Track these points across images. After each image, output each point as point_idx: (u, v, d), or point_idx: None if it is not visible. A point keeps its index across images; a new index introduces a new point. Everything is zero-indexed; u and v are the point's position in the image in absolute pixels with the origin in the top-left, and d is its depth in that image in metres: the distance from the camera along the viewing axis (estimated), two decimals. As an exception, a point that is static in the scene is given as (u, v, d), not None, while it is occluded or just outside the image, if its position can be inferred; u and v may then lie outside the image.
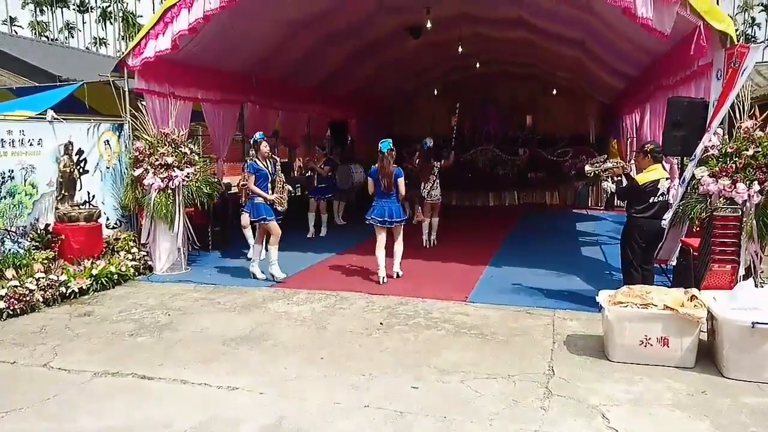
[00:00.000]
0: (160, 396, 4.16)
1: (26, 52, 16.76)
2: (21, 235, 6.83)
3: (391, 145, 7.16)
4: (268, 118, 11.34)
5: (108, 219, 8.01)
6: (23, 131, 6.92)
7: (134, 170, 7.65)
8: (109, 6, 57.78)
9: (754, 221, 5.33)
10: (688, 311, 4.49)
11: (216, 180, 8.68)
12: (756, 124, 5.51)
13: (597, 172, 6.25)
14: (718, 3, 6.26)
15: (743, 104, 5.59)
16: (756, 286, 4.79)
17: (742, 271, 5.40)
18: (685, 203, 5.65)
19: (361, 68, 12.96)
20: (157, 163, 7.51)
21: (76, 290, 6.59)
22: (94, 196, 7.85)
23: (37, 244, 6.88)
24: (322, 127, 14.26)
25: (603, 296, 4.90)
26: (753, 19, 52.87)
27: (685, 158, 6.27)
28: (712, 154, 5.55)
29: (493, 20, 10.75)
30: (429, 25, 9.93)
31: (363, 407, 3.93)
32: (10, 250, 6.64)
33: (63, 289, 6.48)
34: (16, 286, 6.09)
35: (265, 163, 7.19)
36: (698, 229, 5.86)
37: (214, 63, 9.02)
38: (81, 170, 7.63)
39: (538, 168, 15.98)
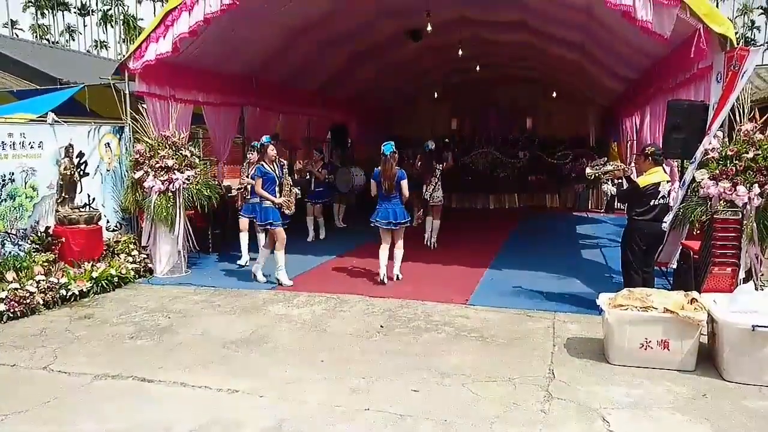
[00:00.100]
0: (161, 399, 4.16)
1: (27, 55, 16.77)
2: (21, 238, 6.83)
3: (393, 147, 7.18)
4: (269, 121, 11.35)
5: (108, 222, 8.01)
6: (24, 134, 6.93)
7: (135, 173, 7.65)
8: (110, 9, 57.94)
9: (755, 224, 5.34)
10: (689, 314, 4.49)
11: (216, 183, 8.69)
12: (756, 127, 5.52)
13: (598, 174, 6.26)
14: (717, 6, 6.27)
15: (743, 107, 5.60)
16: (756, 289, 4.78)
17: (742, 274, 5.40)
18: (686, 206, 5.66)
19: (362, 71, 12.97)
20: (157, 165, 7.52)
21: (77, 293, 6.59)
22: (94, 199, 7.85)
23: (37, 246, 6.88)
24: (322, 130, 14.27)
25: (603, 299, 4.90)
26: (752, 22, 52.96)
27: (685, 161, 6.27)
28: (713, 157, 5.56)
29: (493, 23, 10.77)
30: (429, 28, 9.94)
31: (363, 410, 3.93)
32: (10, 252, 6.64)
33: (63, 291, 6.48)
34: (16, 289, 6.09)
35: (272, 167, 7.17)
36: (699, 231, 5.86)
37: (214, 66, 9.04)
38: (81, 173, 7.63)
39: (538, 171, 15.99)
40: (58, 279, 6.51)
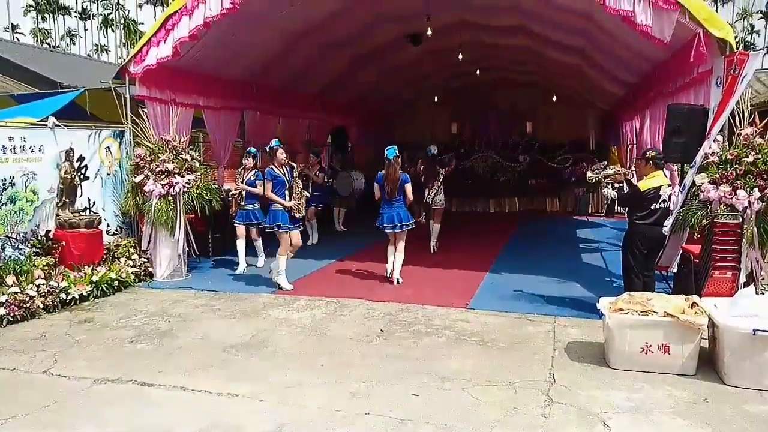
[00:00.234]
0: (160, 403, 4.16)
1: (28, 59, 16.83)
2: (22, 242, 6.83)
3: (396, 152, 7.29)
4: (269, 124, 11.36)
5: (108, 225, 8.01)
6: (24, 138, 6.93)
7: (135, 177, 7.66)
8: (111, 13, 58.09)
9: (755, 228, 5.34)
10: (689, 318, 4.48)
11: (217, 186, 8.67)
12: (756, 131, 5.52)
13: (599, 178, 6.26)
14: (717, 10, 6.29)
15: (743, 111, 5.61)
16: (757, 293, 4.79)
17: (742, 278, 5.40)
18: (686, 210, 5.66)
19: (362, 75, 12.99)
20: (158, 169, 7.52)
21: (77, 297, 6.59)
22: (94, 203, 7.85)
23: (37, 250, 6.88)
24: (322, 133, 14.28)
25: (604, 303, 4.89)
26: (752, 26, 53.10)
27: (685, 165, 6.28)
28: (713, 161, 5.56)
29: (493, 28, 10.79)
30: (429, 32, 9.97)
31: (363, 414, 3.92)
32: (10, 256, 6.64)
33: (63, 295, 6.48)
34: (16, 293, 6.08)
35: (282, 170, 7.14)
36: (699, 236, 5.86)
37: (215, 70, 9.05)
38: (82, 177, 7.63)
39: (538, 174, 15.98)
40: (58, 283, 6.51)
